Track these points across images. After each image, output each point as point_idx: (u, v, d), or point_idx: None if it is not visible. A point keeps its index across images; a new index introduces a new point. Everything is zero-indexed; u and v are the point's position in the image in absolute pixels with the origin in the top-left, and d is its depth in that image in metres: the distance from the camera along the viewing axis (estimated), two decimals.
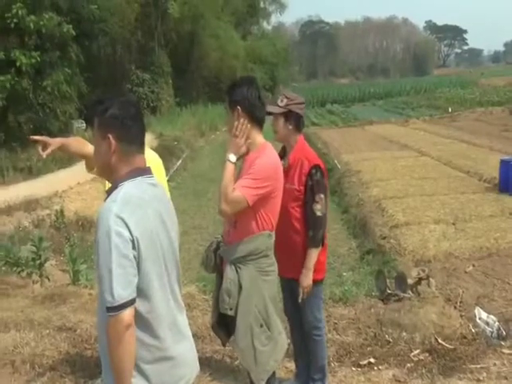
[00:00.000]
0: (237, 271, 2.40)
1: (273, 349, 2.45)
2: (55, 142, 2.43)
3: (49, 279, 4.92)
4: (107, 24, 21.21)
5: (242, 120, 2.39)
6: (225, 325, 2.58)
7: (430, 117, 23.04)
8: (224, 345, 2.81)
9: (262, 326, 2.40)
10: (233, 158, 2.39)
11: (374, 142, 15.23)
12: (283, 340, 2.52)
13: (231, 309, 2.40)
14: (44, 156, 2.40)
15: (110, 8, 20.84)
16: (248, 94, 2.43)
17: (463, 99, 29.05)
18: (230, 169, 2.38)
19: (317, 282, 2.84)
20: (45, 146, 2.39)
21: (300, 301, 2.81)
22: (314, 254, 2.77)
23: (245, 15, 38.48)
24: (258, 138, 2.46)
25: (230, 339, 2.67)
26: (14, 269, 5.16)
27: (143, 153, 1.76)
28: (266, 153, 2.43)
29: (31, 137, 2.48)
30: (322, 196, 2.78)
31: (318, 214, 2.77)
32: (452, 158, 11.05)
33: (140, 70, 27.02)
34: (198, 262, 5.59)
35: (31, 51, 15.41)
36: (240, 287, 2.38)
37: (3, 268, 5.24)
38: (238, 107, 2.40)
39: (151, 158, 3.02)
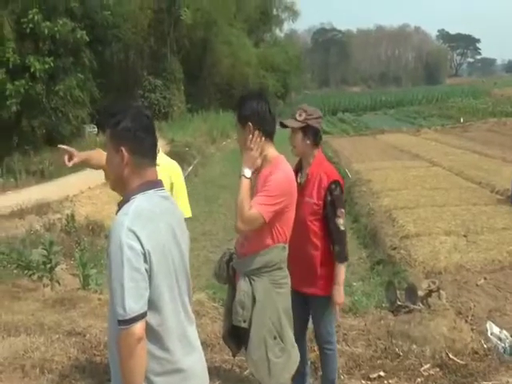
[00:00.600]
0: (251, 283, 2.39)
1: (286, 361, 2.44)
2: (80, 156, 2.50)
3: (59, 283, 4.96)
4: (120, 30, 21.46)
5: (256, 132, 2.39)
6: (236, 336, 2.57)
7: (441, 126, 22.90)
8: (234, 356, 2.81)
9: (275, 338, 2.40)
10: (248, 173, 2.38)
11: (385, 151, 15.18)
12: (296, 353, 2.50)
13: (245, 321, 2.39)
14: (70, 165, 2.47)
15: (123, 14, 21.09)
16: (258, 107, 2.40)
17: (475, 109, 28.85)
18: (245, 184, 2.37)
19: (329, 297, 2.83)
20: (70, 156, 2.46)
21: (339, 319, 2.81)
22: (342, 270, 2.78)
23: (257, 22, 38.63)
24: (271, 151, 2.44)
25: (241, 350, 2.66)
26: (25, 272, 5.22)
27: (155, 165, 1.77)
28: (280, 167, 2.41)
29: (60, 146, 2.56)
30: (343, 211, 2.80)
31: (342, 228, 2.77)
32: (464, 168, 10.97)
33: (152, 75, 27.24)
34: (207, 269, 5.61)
35: (45, 57, 15.65)
36: (254, 299, 2.37)
37: (15, 271, 5.29)
38: (249, 123, 2.38)
39: (171, 167, 3.02)
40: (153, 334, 1.64)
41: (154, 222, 1.66)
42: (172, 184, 2.88)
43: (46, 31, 15.38)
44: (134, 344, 1.55)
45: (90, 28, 17.56)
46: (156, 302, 1.63)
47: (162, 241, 1.66)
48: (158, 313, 1.65)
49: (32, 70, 15.21)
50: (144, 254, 1.59)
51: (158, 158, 2.63)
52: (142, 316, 1.57)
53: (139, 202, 1.66)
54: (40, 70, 15.30)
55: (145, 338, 1.59)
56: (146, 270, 1.59)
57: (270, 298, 2.39)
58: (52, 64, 15.51)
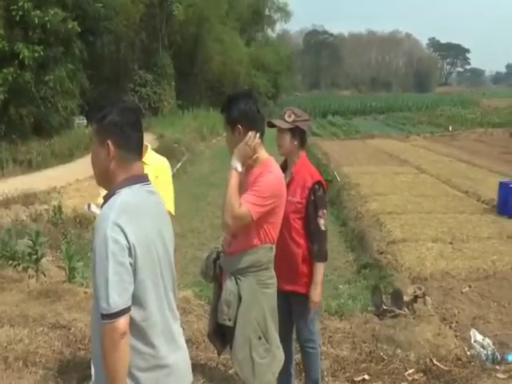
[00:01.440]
0: (237, 283, 2.39)
1: (271, 362, 2.44)
2: None
3: (45, 275, 4.90)
4: (112, 22, 21.27)
5: (253, 132, 2.37)
6: (221, 334, 2.57)
7: (430, 134, 23.14)
8: (219, 354, 2.81)
9: (260, 338, 2.40)
10: (239, 167, 2.36)
11: (375, 155, 15.29)
12: (281, 354, 2.51)
13: (230, 319, 2.39)
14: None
15: (115, 7, 20.93)
16: (247, 108, 2.37)
17: (464, 119, 29.18)
18: (235, 179, 2.34)
19: None
20: None
21: (311, 316, 2.83)
22: (321, 269, 2.81)
23: (250, 21, 38.66)
24: (262, 152, 2.44)
25: (226, 349, 2.65)
26: (10, 262, 5.14)
27: (141, 160, 1.76)
28: (271, 170, 2.41)
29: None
30: (325, 211, 2.86)
31: (323, 228, 2.83)
32: (451, 176, 11.10)
33: (143, 70, 27.08)
34: (194, 266, 5.60)
35: (34, 45, 15.41)
36: (240, 299, 2.37)
37: None
38: (239, 126, 2.36)
39: (161, 163, 2.96)
40: (137, 330, 1.63)
41: (140, 216, 1.65)
42: (156, 177, 2.68)
43: (37, 20, 15.14)
44: (117, 339, 1.55)
45: (81, 19, 17.35)
46: (140, 297, 1.63)
47: (147, 235, 1.66)
48: (143, 308, 1.64)
49: (21, 57, 14.96)
50: (129, 248, 1.58)
51: (146, 156, 2.63)
52: (127, 310, 1.57)
53: (125, 196, 1.66)
54: (29, 58, 15.06)
55: (128, 333, 1.58)
56: (130, 264, 1.59)
57: (256, 298, 2.39)
58: (42, 53, 15.28)
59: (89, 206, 2.98)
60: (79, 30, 16.56)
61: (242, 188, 2.44)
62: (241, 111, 2.36)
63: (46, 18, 15.28)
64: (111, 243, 1.56)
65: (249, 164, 2.43)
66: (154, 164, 2.85)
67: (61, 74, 16.49)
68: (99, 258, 1.57)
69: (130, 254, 1.59)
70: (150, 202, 1.74)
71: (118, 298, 1.55)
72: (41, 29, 15.99)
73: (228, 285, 2.40)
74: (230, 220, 2.29)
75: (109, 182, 1.72)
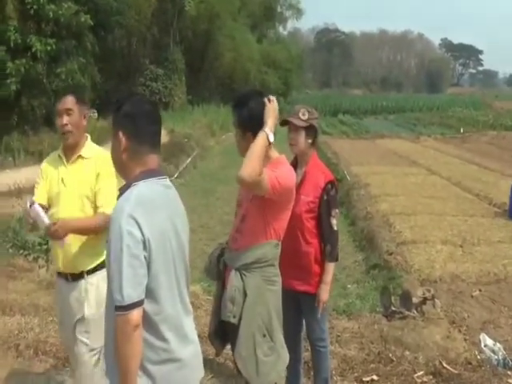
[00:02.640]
0: (242, 278, 2.34)
1: (275, 360, 2.40)
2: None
3: None
4: (124, 17, 21.34)
5: (274, 97, 2.28)
6: (221, 334, 2.51)
7: (441, 135, 22.98)
8: (218, 355, 2.77)
9: (265, 335, 2.36)
10: (272, 137, 2.21)
11: (385, 156, 15.21)
12: (285, 354, 2.46)
13: (234, 316, 2.34)
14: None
15: (127, 1, 20.98)
16: (258, 111, 2.26)
17: (476, 120, 28.92)
18: (264, 141, 2.19)
19: None
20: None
21: (319, 315, 2.82)
22: (331, 269, 2.80)
23: (261, 18, 38.62)
24: (273, 152, 2.37)
25: (225, 348, 2.63)
26: (21, 252, 5.19)
27: (156, 153, 1.75)
28: (285, 167, 2.36)
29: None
30: (337, 211, 2.85)
31: (335, 228, 2.82)
32: (462, 179, 11.01)
33: (154, 64, 27.13)
34: (202, 262, 5.54)
35: (47, 38, 15.49)
36: (245, 295, 2.34)
37: (10, 250, 5.26)
38: (250, 133, 2.25)
39: (102, 157, 2.54)
40: (149, 323, 1.64)
41: (155, 210, 1.65)
42: (98, 174, 2.52)
43: (51, 14, 15.22)
44: (130, 331, 1.55)
45: (93, 12, 17.42)
46: (154, 291, 1.63)
47: (162, 230, 1.66)
48: (156, 302, 1.65)
49: (33, 49, 15.06)
50: (144, 242, 1.58)
51: (84, 149, 2.55)
52: (140, 303, 1.57)
53: (141, 189, 1.66)
54: (41, 51, 15.16)
55: (141, 326, 1.58)
56: (144, 257, 1.59)
57: (261, 295, 2.35)
58: (54, 46, 15.37)
59: (32, 203, 2.44)
60: (91, 23, 16.61)
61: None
62: (252, 114, 2.25)
63: (60, 12, 15.34)
64: (126, 236, 1.56)
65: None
66: (94, 157, 2.57)
67: (72, 67, 16.56)
68: (114, 250, 1.58)
69: (145, 248, 1.59)
70: (165, 196, 1.74)
71: (131, 290, 1.55)
72: (53, 22, 16.07)
73: (233, 280, 2.36)
74: (248, 178, 2.12)
75: (124, 173, 1.73)
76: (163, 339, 1.67)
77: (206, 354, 3.45)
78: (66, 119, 2.50)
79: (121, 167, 1.74)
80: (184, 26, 28.55)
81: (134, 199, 1.62)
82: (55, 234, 2.41)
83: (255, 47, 34.23)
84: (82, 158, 2.56)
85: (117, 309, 1.56)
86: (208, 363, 3.34)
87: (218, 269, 2.50)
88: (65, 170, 2.55)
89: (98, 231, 2.47)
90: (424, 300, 4.38)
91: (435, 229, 7.00)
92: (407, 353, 3.65)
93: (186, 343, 1.76)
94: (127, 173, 1.72)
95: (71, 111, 2.51)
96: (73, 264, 2.56)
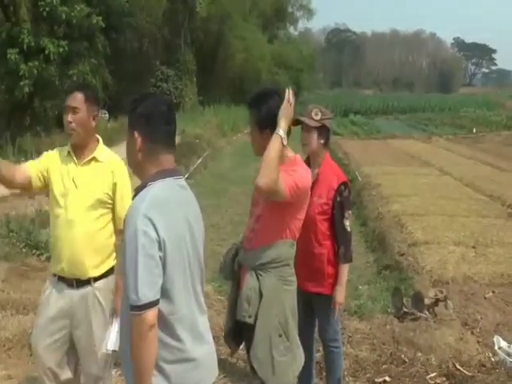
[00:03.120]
0: (258, 278, 2.35)
1: (291, 361, 2.41)
2: None
3: None
4: (135, 19, 21.47)
5: (290, 91, 2.26)
6: (237, 334, 2.54)
7: (453, 135, 22.78)
8: (232, 355, 2.80)
9: (281, 335, 2.37)
10: (286, 139, 2.21)
11: (396, 156, 15.12)
12: (301, 353, 2.47)
13: (250, 316, 2.34)
14: None
15: (138, 3, 21.13)
16: (277, 109, 2.26)
17: (489, 121, 28.59)
18: (279, 143, 2.19)
19: None
20: None
21: (335, 317, 2.82)
22: (346, 270, 2.80)
23: (272, 19, 38.65)
24: (288, 151, 2.37)
25: (239, 349, 2.66)
26: (34, 251, 5.25)
27: (171, 153, 1.76)
28: (301, 168, 2.37)
29: None
30: (350, 212, 2.85)
31: (348, 229, 2.82)
32: (474, 179, 10.90)
33: (165, 65, 27.30)
34: (214, 262, 5.58)
35: (60, 40, 15.64)
36: (261, 295, 2.34)
37: (23, 250, 5.32)
38: (269, 130, 2.27)
39: (114, 163, 2.53)
40: (165, 323, 1.64)
41: (171, 210, 1.66)
42: (115, 184, 2.48)
43: (64, 16, 15.37)
44: (145, 330, 1.56)
45: (105, 14, 17.57)
46: (169, 291, 1.64)
47: (177, 230, 1.67)
48: (171, 302, 1.65)
49: (46, 52, 15.22)
50: (159, 242, 1.59)
51: (97, 151, 2.47)
52: (155, 303, 1.58)
53: (156, 189, 1.66)
54: (54, 53, 15.32)
55: (157, 326, 1.59)
56: (160, 257, 1.60)
57: (277, 295, 2.36)
58: (66, 48, 15.52)
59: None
60: (103, 25, 16.74)
61: None
62: (272, 113, 2.26)
63: (72, 14, 15.49)
64: (141, 236, 1.57)
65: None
66: (109, 162, 2.51)
67: (84, 68, 16.71)
68: (129, 250, 1.58)
69: (160, 248, 1.60)
70: (181, 197, 1.75)
71: (147, 290, 1.56)
72: (66, 24, 16.23)
73: (249, 280, 2.36)
74: (265, 185, 2.14)
75: (140, 173, 1.74)
76: (178, 339, 1.68)
77: (218, 353, 3.46)
78: (70, 117, 2.40)
79: (136, 167, 1.74)
80: (195, 27, 28.68)
81: (149, 199, 1.62)
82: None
83: (266, 48, 34.26)
84: (97, 160, 2.47)
85: (132, 308, 1.57)
86: (220, 363, 3.32)
87: (232, 269, 2.51)
88: (76, 170, 2.45)
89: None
90: (436, 301, 4.34)
91: (447, 230, 6.93)
92: (419, 354, 3.63)
93: (201, 343, 1.77)
94: (143, 173, 1.72)
95: (78, 109, 2.40)
96: (80, 269, 2.42)
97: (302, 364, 2.51)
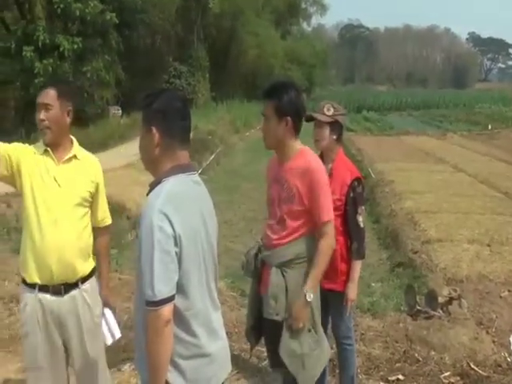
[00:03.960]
0: (283, 275, 2.38)
1: (320, 353, 2.45)
2: None
3: None
4: (148, 15, 21.53)
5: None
6: (257, 330, 2.59)
7: (468, 132, 22.49)
8: (252, 349, 2.82)
9: (310, 330, 2.40)
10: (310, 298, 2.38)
11: (409, 153, 14.99)
12: (327, 345, 2.52)
13: (277, 314, 2.37)
14: None
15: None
16: (298, 101, 2.36)
17: (505, 117, 28.15)
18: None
19: None
20: None
21: (347, 314, 2.81)
22: (358, 266, 2.78)
23: (285, 15, 38.51)
24: (298, 144, 2.43)
25: (259, 343, 2.70)
26: None
27: (186, 149, 1.76)
28: (313, 160, 2.39)
29: None
30: (364, 208, 2.83)
31: (361, 225, 2.79)
32: (490, 176, 10.76)
33: (178, 62, 27.36)
34: (227, 258, 5.62)
35: (74, 36, 15.77)
36: (286, 292, 2.36)
37: None
38: (289, 118, 2.33)
39: (94, 164, 2.48)
40: (179, 318, 1.65)
41: (186, 206, 1.66)
42: (96, 182, 2.43)
43: (78, 12, 15.48)
44: (161, 326, 1.57)
45: (118, 11, 17.65)
46: (184, 287, 1.64)
47: (192, 226, 1.67)
48: (186, 297, 1.66)
49: (61, 49, 15.35)
50: (174, 237, 1.59)
51: (74, 149, 2.37)
52: (171, 299, 1.59)
53: (171, 185, 1.66)
54: (69, 50, 15.45)
55: (172, 322, 1.60)
56: (176, 253, 1.60)
57: (303, 290, 2.37)
58: (80, 44, 15.63)
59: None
60: (116, 21, 16.83)
61: (280, 182, 2.42)
62: (293, 102, 2.33)
63: (86, 11, 15.60)
64: (157, 231, 1.57)
65: (283, 156, 2.42)
66: (88, 161, 2.44)
67: (98, 65, 16.83)
68: (145, 246, 1.59)
69: (176, 243, 1.60)
70: (195, 192, 1.75)
71: (162, 286, 1.56)
72: (79, 21, 16.35)
73: (274, 278, 2.39)
74: (333, 241, 2.43)
75: (155, 168, 1.73)
76: (193, 334, 1.69)
77: (231, 349, 3.46)
78: (43, 114, 2.27)
79: (151, 163, 1.74)
80: (208, 23, 28.70)
81: (164, 195, 1.62)
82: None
83: (279, 44, 34.17)
84: (77, 158, 2.38)
85: (148, 304, 1.57)
86: (233, 358, 3.33)
87: (254, 267, 2.54)
88: (57, 169, 2.31)
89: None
90: (450, 300, 4.30)
91: (461, 227, 6.86)
92: (433, 353, 3.59)
93: (215, 338, 1.78)
94: (158, 168, 1.72)
95: (50, 106, 2.27)
96: (70, 271, 2.29)
97: (329, 356, 2.56)
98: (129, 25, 20.25)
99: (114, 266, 5.13)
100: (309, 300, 2.33)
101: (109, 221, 2.57)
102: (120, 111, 20.64)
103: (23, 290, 2.32)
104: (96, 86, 17.68)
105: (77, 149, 2.41)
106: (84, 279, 2.35)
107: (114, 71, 19.18)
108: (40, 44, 15.24)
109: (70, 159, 2.36)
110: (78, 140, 2.50)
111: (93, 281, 2.41)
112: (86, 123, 17.15)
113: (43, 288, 2.26)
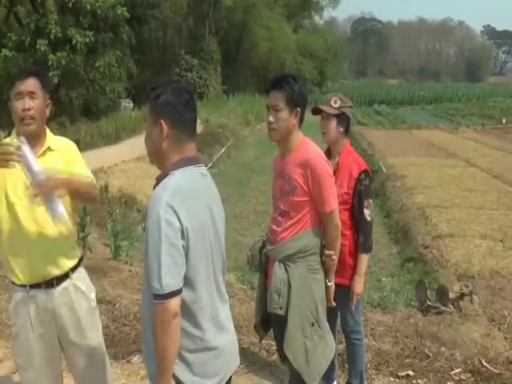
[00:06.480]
0: (286, 270, 2.37)
1: (324, 348, 2.43)
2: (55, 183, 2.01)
3: (91, 251, 5.04)
4: (159, 10, 21.50)
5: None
6: (266, 323, 2.61)
7: (481, 126, 22.16)
8: (261, 340, 2.83)
9: (313, 324, 2.39)
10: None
11: (421, 147, 14.84)
12: (332, 340, 2.50)
13: (281, 308, 2.37)
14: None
15: None
16: (306, 92, 2.40)
17: None
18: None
19: None
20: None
21: (354, 308, 2.79)
22: (365, 260, 2.75)
23: (297, 8, 38.28)
24: (299, 135, 2.43)
25: (267, 334, 2.73)
26: None
27: (194, 141, 1.74)
28: (313, 150, 2.38)
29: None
30: (371, 201, 2.78)
31: (368, 218, 2.75)
32: (503, 171, 10.61)
33: (189, 55, 27.35)
34: (236, 251, 5.63)
35: (85, 30, 15.81)
36: (289, 286, 2.36)
37: None
38: (299, 109, 2.35)
39: (69, 147, 2.31)
40: (187, 312, 1.64)
41: (193, 199, 1.65)
42: (69, 160, 2.22)
43: (88, 6, 15.50)
44: (169, 319, 1.56)
45: (129, 5, 17.65)
46: (191, 280, 1.63)
47: (199, 218, 1.65)
48: (193, 290, 1.65)
49: (73, 42, 15.41)
50: (182, 231, 1.58)
51: (48, 141, 2.18)
52: (178, 292, 1.58)
53: (178, 177, 1.65)
54: (81, 43, 15.50)
55: (179, 315, 1.59)
56: (183, 246, 1.59)
57: (306, 284, 2.37)
58: (92, 38, 15.68)
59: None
60: (128, 15, 16.81)
61: (282, 175, 2.41)
62: (302, 93, 2.35)
63: (97, 4, 15.60)
64: (164, 224, 1.56)
65: (286, 149, 2.41)
66: (61, 148, 2.24)
67: (110, 60, 16.85)
68: (152, 239, 1.57)
69: (183, 237, 1.59)
70: (202, 185, 1.74)
71: (170, 279, 1.55)
72: (91, 14, 16.38)
73: (277, 273, 2.38)
74: (339, 231, 2.47)
75: (162, 161, 1.71)
76: (200, 328, 1.68)
77: (240, 342, 3.43)
78: (29, 103, 2.06)
79: (158, 155, 1.71)
80: (220, 16, 28.64)
81: (171, 188, 1.61)
82: (46, 187, 1.94)
83: (291, 37, 34.01)
84: (51, 150, 2.20)
85: (155, 297, 1.56)
86: (242, 352, 3.33)
87: (259, 261, 2.54)
88: None
89: (92, 198, 2.25)
90: (461, 295, 4.25)
91: (474, 223, 6.78)
92: (443, 349, 3.55)
93: (223, 332, 1.77)
94: (165, 161, 1.70)
95: (35, 95, 2.08)
96: (62, 261, 2.18)
97: (334, 351, 2.53)
98: (140, 18, 20.24)
99: (124, 258, 5.17)
100: (329, 284, 2.50)
101: (94, 180, 2.30)
102: (131, 104, 20.73)
103: (14, 290, 2.21)
104: (108, 79, 17.73)
105: (50, 139, 2.23)
106: (73, 269, 2.23)
107: (126, 65, 19.23)
108: (52, 37, 15.31)
109: (44, 153, 2.18)
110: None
111: (81, 269, 2.31)
112: (97, 116, 17.25)
113: (34, 285, 2.16)
